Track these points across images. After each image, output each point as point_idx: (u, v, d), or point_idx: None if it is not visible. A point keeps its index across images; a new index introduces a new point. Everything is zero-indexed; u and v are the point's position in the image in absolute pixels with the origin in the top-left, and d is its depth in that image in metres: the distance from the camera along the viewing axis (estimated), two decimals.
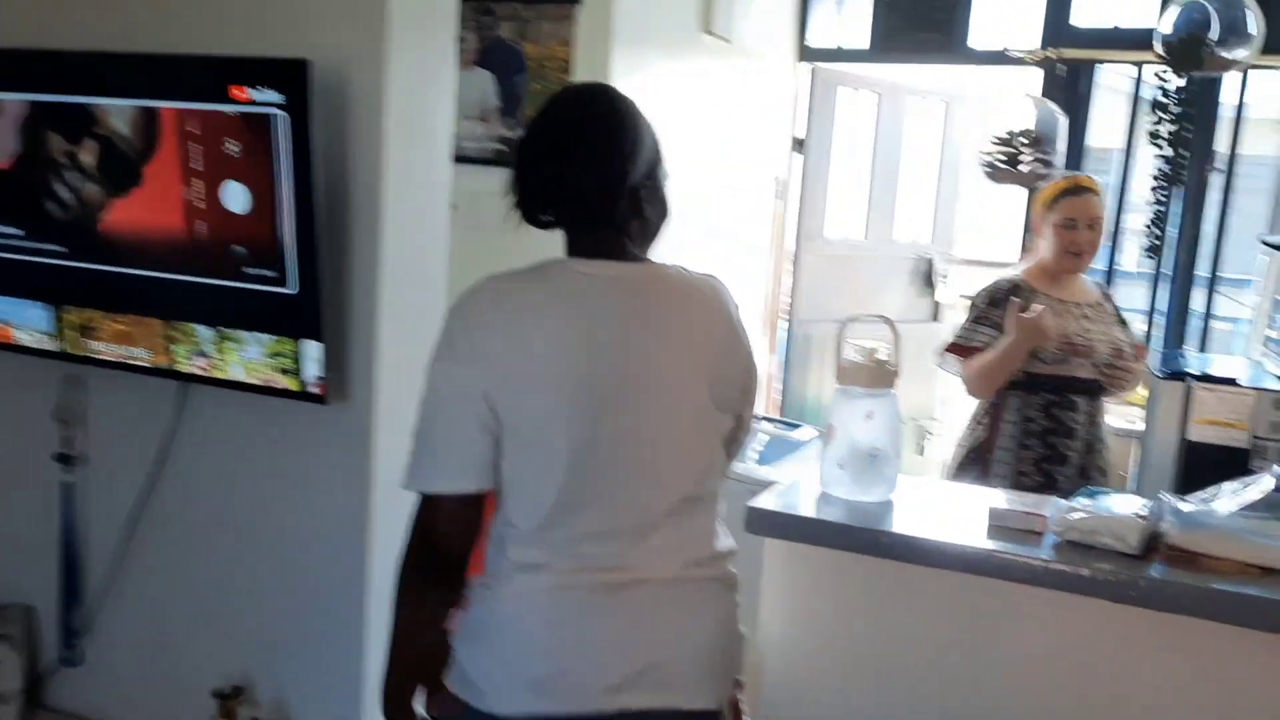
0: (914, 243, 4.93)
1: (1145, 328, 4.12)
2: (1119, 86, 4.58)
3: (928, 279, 4.94)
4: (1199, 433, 2.06)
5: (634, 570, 1.39)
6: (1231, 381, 2.04)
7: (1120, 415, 3.95)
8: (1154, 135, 2.20)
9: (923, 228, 4.95)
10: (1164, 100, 2.14)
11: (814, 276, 4.72)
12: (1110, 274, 4.24)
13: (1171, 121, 2.09)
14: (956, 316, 4.60)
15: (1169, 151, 2.14)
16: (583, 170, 1.40)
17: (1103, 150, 4.60)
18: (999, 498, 1.78)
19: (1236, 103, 4.02)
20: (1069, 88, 4.35)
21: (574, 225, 1.45)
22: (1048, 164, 2.31)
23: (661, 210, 1.51)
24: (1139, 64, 4.14)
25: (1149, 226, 2.15)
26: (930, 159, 4.94)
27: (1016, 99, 2.37)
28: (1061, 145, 2.30)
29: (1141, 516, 1.64)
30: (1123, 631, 1.60)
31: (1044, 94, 4.44)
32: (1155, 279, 4.26)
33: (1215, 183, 4.05)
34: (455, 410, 1.40)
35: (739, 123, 4.10)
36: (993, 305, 2.91)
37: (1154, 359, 2.26)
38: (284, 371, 2.22)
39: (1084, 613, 1.60)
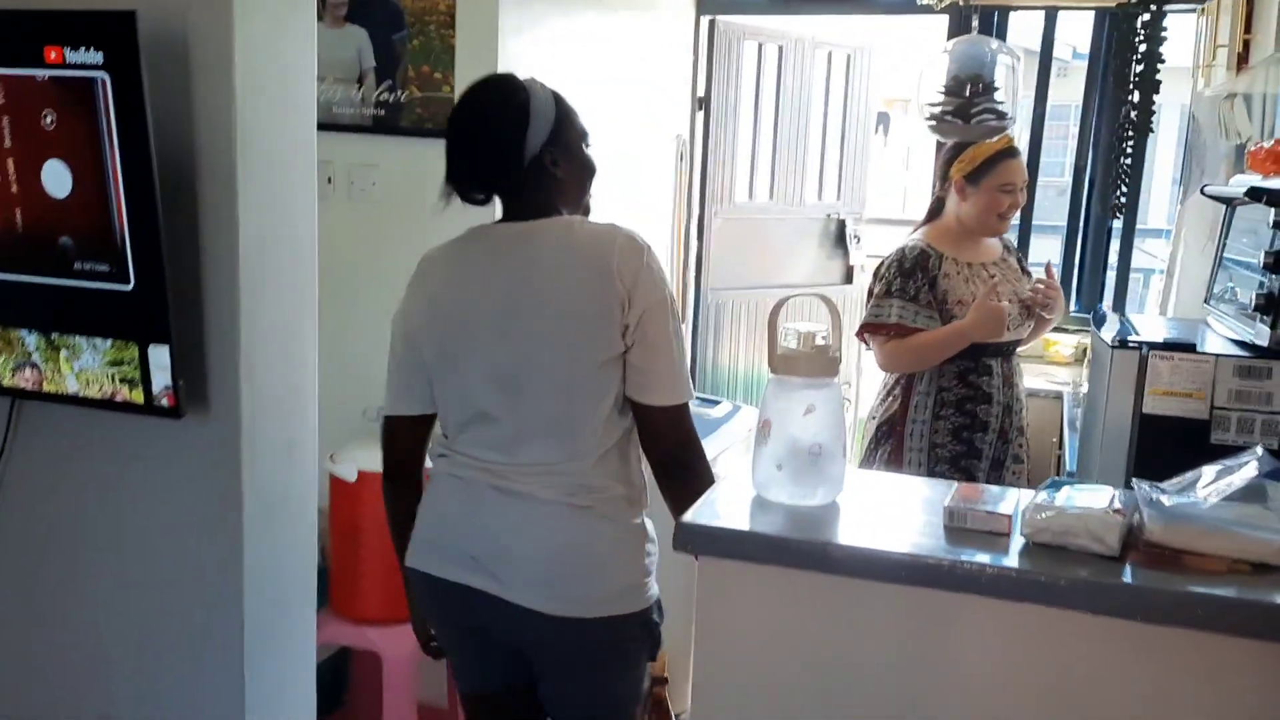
0: (824, 204, 4.75)
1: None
2: (1027, 39, 4.44)
3: (840, 241, 4.77)
4: (1155, 404, 1.89)
5: (502, 476, 1.75)
6: (1190, 348, 1.87)
7: (1041, 376, 3.84)
8: (1120, 79, 2.00)
9: (833, 188, 4.78)
10: (1132, 40, 1.94)
11: (722, 242, 4.51)
12: (1028, 229, 4.13)
13: (1139, 61, 1.89)
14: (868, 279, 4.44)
15: (1136, 96, 1.94)
16: (481, 154, 1.76)
17: None
18: (955, 493, 1.57)
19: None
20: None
21: (499, 197, 1.81)
22: (1001, 115, 2.11)
23: (576, 169, 1.83)
24: (1053, 9, 4.01)
25: (1120, 179, 1.96)
26: (838, 115, 4.76)
27: (952, 44, 2.17)
28: (1020, 93, 2.09)
29: (1117, 511, 1.45)
30: (1103, 645, 1.40)
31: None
32: (1069, 231, 4.16)
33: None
34: (396, 351, 1.86)
35: (637, 80, 3.83)
36: (904, 276, 2.77)
37: (1109, 330, 2.09)
38: (127, 382, 1.91)
39: (1059, 626, 1.41)
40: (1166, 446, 1.91)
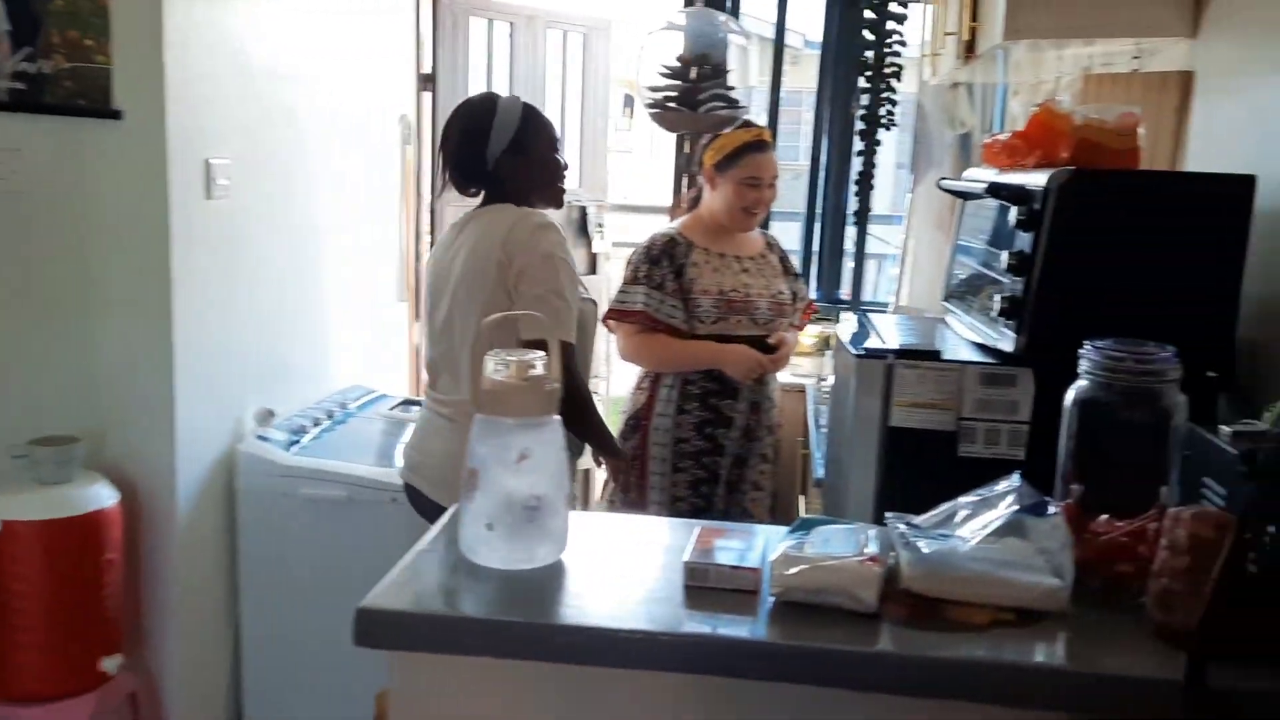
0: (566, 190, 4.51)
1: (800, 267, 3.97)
2: (759, 28, 4.36)
3: (583, 229, 4.55)
4: (903, 417, 1.75)
5: (431, 398, 2.29)
6: (934, 355, 1.74)
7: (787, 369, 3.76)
8: (864, 66, 1.84)
9: (573, 174, 4.54)
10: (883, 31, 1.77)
11: None
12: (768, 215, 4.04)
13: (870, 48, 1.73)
14: (615, 268, 4.25)
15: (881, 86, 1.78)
16: (457, 158, 2.27)
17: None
18: (695, 542, 1.35)
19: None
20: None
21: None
22: (733, 103, 1.90)
23: (533, 169, 2.25)
24: None
25: (868, 172, 1.80)
26: (575, 98, 4.53)
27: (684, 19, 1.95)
28: (751, 78, 1.88)
29: (873, 559, 1.28)
30: None
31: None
32: (809, 218, 4.12)
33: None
34: None
35: (350, 53, 3.44)
36: (651, 264, 2.69)
37: (852, 334, 1.94)
38: None
39: (821, 706, 1.21)
40: (914, 459, 1.78)
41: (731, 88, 1.90)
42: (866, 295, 4.27)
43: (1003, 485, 1.38)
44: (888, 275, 4.79)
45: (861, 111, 1.86)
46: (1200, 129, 2.16)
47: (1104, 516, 1.33)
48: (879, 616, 1.24)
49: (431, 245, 4.12)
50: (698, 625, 1.23)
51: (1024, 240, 1.72)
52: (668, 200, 3.98)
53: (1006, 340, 1.76)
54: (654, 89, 1.93)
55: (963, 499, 1.40)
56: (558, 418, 1.35)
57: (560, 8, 4.38)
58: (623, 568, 1.37)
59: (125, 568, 2.52)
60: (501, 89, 4.24)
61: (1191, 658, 1.11)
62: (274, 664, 2.89)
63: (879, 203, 4.36)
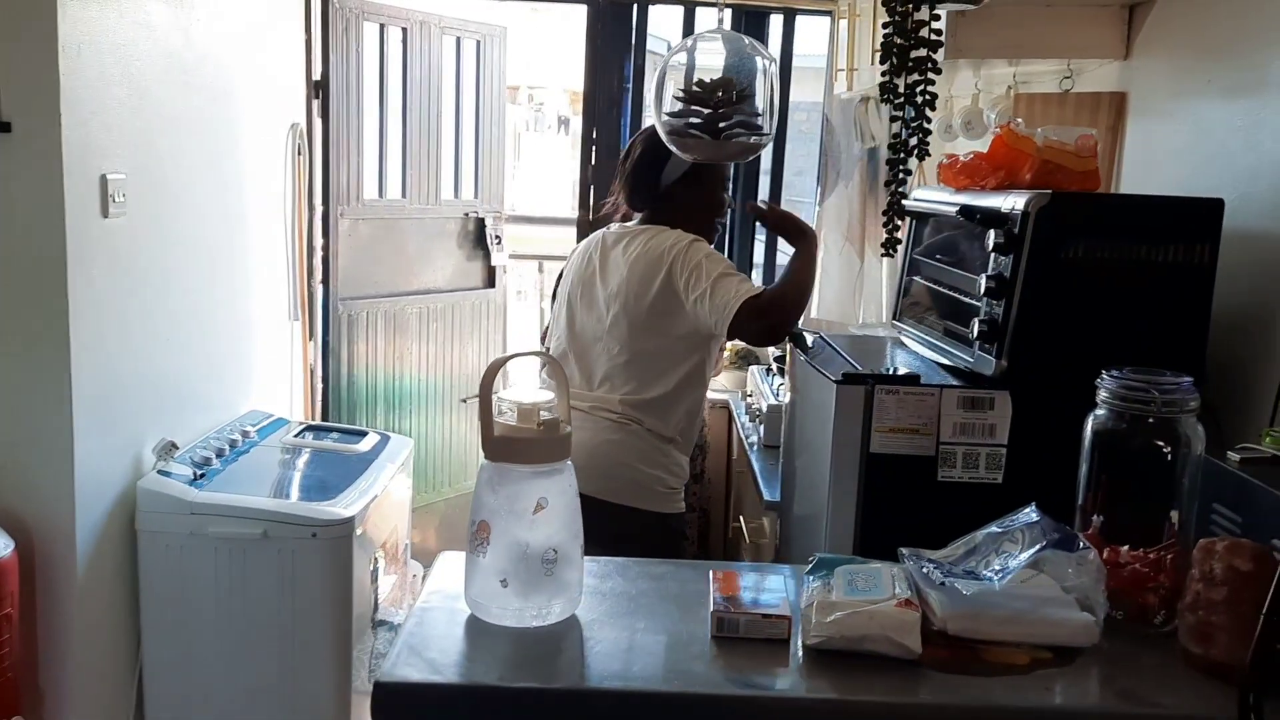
0: (462, 202, 4.38)
1: None
2: (667, 30, 4.32)
3: (480, 241, 4.42)
4: (883, 443, 1.72)
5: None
6: (914, 380, 1.71)
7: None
8: (885, 90, 1.79)
9: (470, 185, 4.42)
10: (902, 42, 1.73)
11: (353, 245, 4.01)
12: None
13: (911, 63, 1.69)
14: (514, 281, 4.13)
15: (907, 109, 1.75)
16: (633, 177, 2.41)
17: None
18: (716, 589, 1.29)
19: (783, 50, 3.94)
20: (614, 29, 4.01)
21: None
22: (756, 130, 1.82)
23: (700, 201, 2.38)
24: (692, 3, 3.90)
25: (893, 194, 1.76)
26: (470, 106, 4.40)
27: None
28: (776, 104, 1.81)
29: (908, 602, 1.24)
30: None
31: (588, 34, 4.08)
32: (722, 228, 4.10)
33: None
34: None
35: (244, 65, 3.25)
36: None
37: (821, 359, 1.91)
38: None
39: None
40: (894, 485, 1.76)
41: (757, 114, 1.82)
42: None
43: (1021, 517, 1.36)
44: None
45: (889, 140, 1.81)
46: (1135, 149, 2.22)
47: (1125, 547, 1.33)
48: (917, 662, 1.20)
49: (325, 260, 3.94)
50: (733, 683, 1.17)
51: (1002, 264, 1.71)
52: (567, 212, 3.90)
53: (984, 364, 1.75)
54: (673, 115, 1.84)
55: (980, 532, 1.37)
56: (570, 462, 1.27)
57: (455, 13, 4.25)
58: (641, 619, 1.29)
59: (21, 622, 2.29)
60: (395, 96, 4.09)
61: (1244, 694, 1.10)
62: (180, 717, 2.68)
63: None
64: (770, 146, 4.07)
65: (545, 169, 13.30)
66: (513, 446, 1.21)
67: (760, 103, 1.83)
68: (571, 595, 1.26)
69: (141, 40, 2.62)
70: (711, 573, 1.35)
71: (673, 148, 1.94)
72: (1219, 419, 1.66)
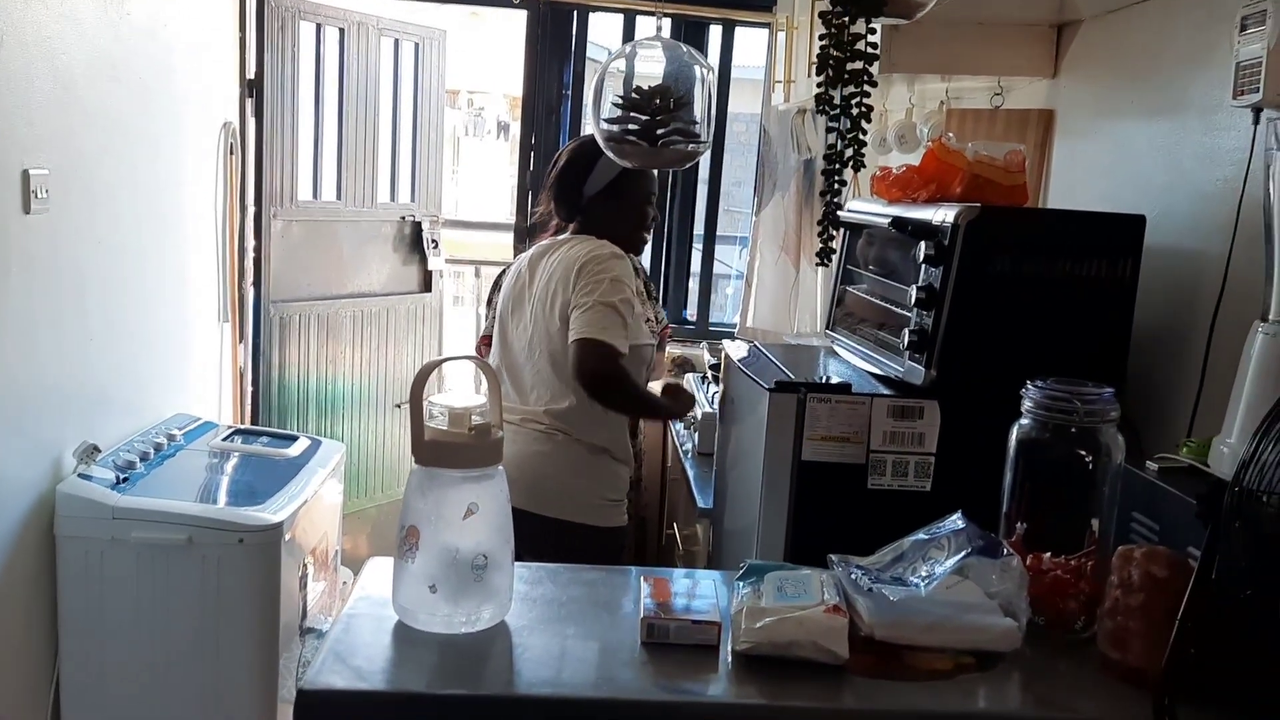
0: (399, 205, 4.34)
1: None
2: (607, 38, 4.33)
3: (416, 245, 4.38)
4: (814, 451, 1.74)
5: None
6: (846, 389, 1.74)
7: None
8: (821, 101, 1.81)
9: (406, 188, 4.38)
10: (838, 55, 1.74)
11: (285, 247, 3.95)
12: None
13: (852, 83, 1.71)
14: (451, 287, 4.11)
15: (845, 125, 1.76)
16: (557, 187, 2.42)
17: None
18: (648, 595, 1.29)
19: (722, 61, 3.97)
20: (554, 35, 4.01)
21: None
22: (693, 138, 1.82)
23: (621, 214, 2.37)
24: (632, 12, 3.91)
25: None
26: (408, 109, 4.37)
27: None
28: (713, 111, 1.81)
29: (836, 608, 1.25)
30: None
31: (528, 39, 4.08)
32: (660, 238, 4.13)
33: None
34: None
35: (174, 61, 3.19)
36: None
37: (756, 367, 1.93)
38: None
39: None
40: (825, 493, 1.77)
41: (694, 122, 1.83)
42: (713, 317, 4.31)
43: (947, 524, 1.38)
44: (723, 295, 4.84)
45: (825, 151, 1.82)
46: (1061, 166, 2.27)
47: (1047, 554, 1.35)
48: (844, 668, 1.21)
49: (256, 261, 3.87)
50: (662, 689, 1.17)
51: (932, 275, 1.74)
52: (506, 218, 3.89)
53: (914, 373, 1.78)
54: (611, 121, 1.84)
55: (907, 539, 1.39)
56: (501, 468, 1.26)
57: (394, 15, 4.21)
58: (571, 625, 1.29)
59: None
60: (331, 98, 4.04)
61: (1158, 699, 1.13)
62: None
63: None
64: (708, 157, 4.11)
65: (484, 174, 13.25)
66: (443, 451, 1.20)
67: (698, 111, 1.84)
68: (501, 601, 1.25)
69: (68, 33, 2.56)
70: (643, 578, 1.35)
71: (610, 154, 1.95)
72: (1138, 430, 1.71)
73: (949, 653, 1.25)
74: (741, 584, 1.32)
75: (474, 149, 14.14)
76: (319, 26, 3.97)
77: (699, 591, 1.33)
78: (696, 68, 1.88)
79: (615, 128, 1.86)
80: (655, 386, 2.64)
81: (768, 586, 1.30)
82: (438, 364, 1.28)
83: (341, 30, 4.04)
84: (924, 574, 1.30)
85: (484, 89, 13.78)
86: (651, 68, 1.84)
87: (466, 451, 1.20)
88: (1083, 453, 1.35)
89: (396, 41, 4.29)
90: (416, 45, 4.37)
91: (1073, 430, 1.34)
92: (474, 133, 14.52)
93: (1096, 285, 1.73)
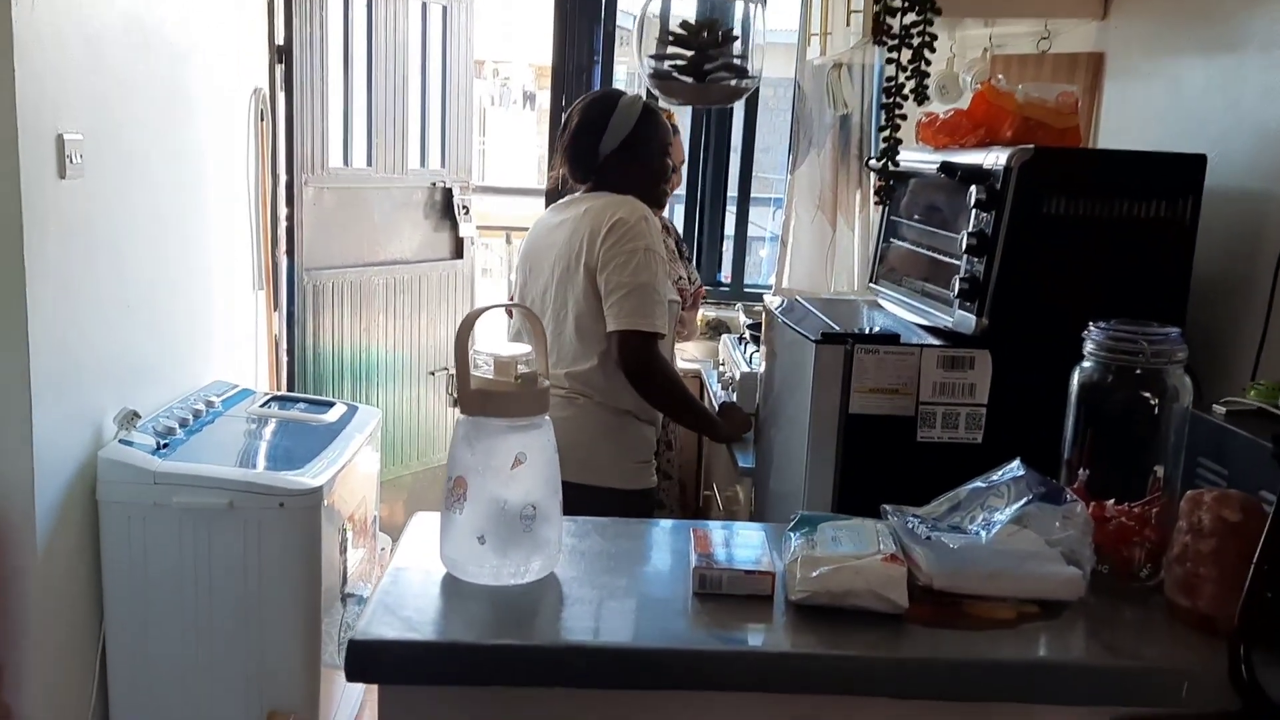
0: (429, 171, 4.31)
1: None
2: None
3: (448, 211, 4.36)
4: (862, 403, 1.70)
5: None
6: (894, 339, 1.69)
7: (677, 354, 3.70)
8: (878, 31, 1.75)
9: (436, 154, 4.35)
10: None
11: (317, 214, 3.93)
12: None
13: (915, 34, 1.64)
14: (480, 258, 4.08)
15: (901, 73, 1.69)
16: (571, 148, 2.31)
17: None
18: (695, 547, 1.26)
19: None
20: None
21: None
22: (742, 73, 1.77)
23: (639, 170, 2.27)
24: None
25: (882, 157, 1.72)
26: (437, 74, 4.33)
27: None
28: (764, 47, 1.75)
29: (894, 557, 1.22)
30: None
31: (557, 3, 4.02)
32: (688, 201, 4.08)
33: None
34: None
35: (204, 27, 3.16)
36: None
37: (797, 318, 1.89)
38: None
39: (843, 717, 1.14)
40: (874, 446, 1.74)
41: (740, 56, 1.77)
42: (749, 278, 4.26)
43: (1006, 471, 1.34)
44: (757, 257, 4.79)
45: (884, 85, 1.73)
46: (1112, 110, 2.20)
47: (1110, 501, 1.31)
48: (903, 618, 1.18)
49: (289, 229, 3.86)
50: (716, 639, 1.14)
51: (984, 220, 1.69)
52: (534, 182, 3.85)
53: (964, 322, 1.73)
54: (657, 57, 1.78)
55: (964, 488, 1.35)
56: (548, 418, 1.23)
57: None
58: (622, 577, 1.26)
59: None
60: (360, 63, 4.01)
61: (1234, 645, 1.09)
62: (144, 693, 2.63)
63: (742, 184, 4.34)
64: (741, 116, 4.05)
65: (511, 145, 13.19)
66: (490, 400, 1.17)
67: (744, 45, 1.78)
68: (550, 553, 1.23)
69: (100, 0, 2.54)
70: (693, 531, 1.32)
71: (655, 91, 1.89)
72: (1198, 377, 1.65)
73: (1011, 601, 1.21)
74: (794, 534, 1.29)
75: (500, 119, 14.07)
76: None
77: (750, 543, 1.30)
78: (742, 1, 1.82)
79: (662, 64, 1.80)
80: (712, 397, 2.59)
81: (822, 536, 1.27)
82: (482, 311, 1.25)
83: None
84: (982, 522, 1.27)
85: (508, 59, 13.72)
86: (689, 8, 1.77)
87: (513, 401, 1.17)
88: (1148, 395, 1.30)
89: (424, 6, 4.25)
90: (444, 9, 4.32)
91: (1138, 372, 1.29)
92: (500, 103, 14.46)
93: (1155, 228, 1.67)
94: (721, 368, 3.21)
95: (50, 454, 2.40)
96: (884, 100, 1.73)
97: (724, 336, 3.35)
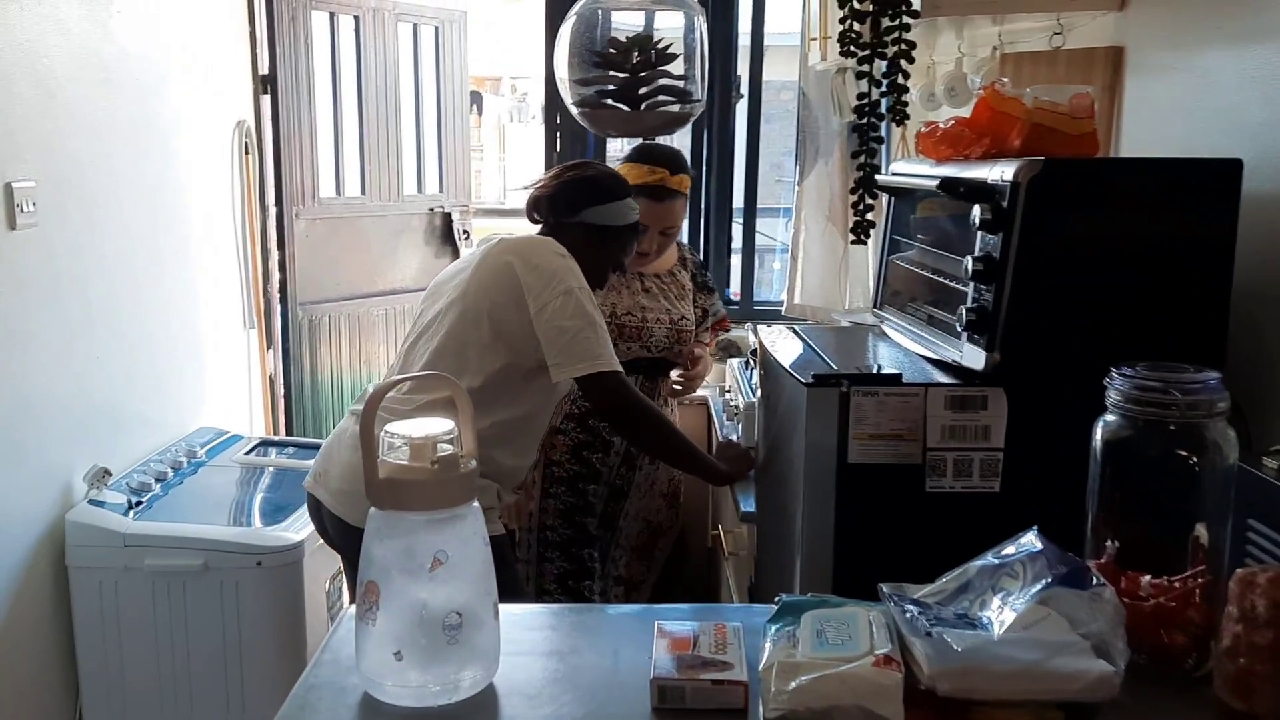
0: (426, 196, 4.17)
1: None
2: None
3: (448, 237, 4.21)
4: (862, 452, 1.51)
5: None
6: (895, 380, 1.50)
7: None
8: (845, 40, 1.57)
9: (433, 178, 4.21)
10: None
11: (310, 246, 3.80)
12: None
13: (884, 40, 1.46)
14: None
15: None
16: (555, 191, 2.12)
17: None
18: (662, 649, 1.08)
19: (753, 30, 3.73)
20: None
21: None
22: (685, 96, 1.57)
23: (593, 255, 2.10)
24: None
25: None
26: (431, 96, 4.19)
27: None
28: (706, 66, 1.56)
29: (889, 659, 1.03)
30: None
31: (549, 17, 3.85)
32: (692, 214, 3.89)
33: (740, 110, 3.76)
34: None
35: (180, 59, 3.03)
36: None
37: (787, 354, 1.71)
38: None
39: None
40: (877, 498, 1.55)
41: (682, 76, 1.57)
42: (758, 293, 4.06)
43: (1021, 546, 1.15)
44: (768, 269, 4.60)
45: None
46: (1134, 109, 2.00)
47: (1146, 577, 1.12)
48: None
49: (281, 263, 3.73)
50: None
51: (990, 243, 1.50)
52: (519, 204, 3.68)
53: (974, 357, 1.54)
54: (583, 82, 1.59)
55: (974, 564, 1.16)
56: (477, 505, 1.06)
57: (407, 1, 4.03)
58: (568, 688, 1.08)
59: None
60: (349, 89, 3.87)
61: None
62: None
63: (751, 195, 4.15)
64: (744, 123, 3.85)
65: (531, 160, 13.06)
66: (401, 490, 1.00)
67: (689, 65, 1.58)
68: (486, 664, 1.05)
69: (50, 35, 2.41)
70: (657, 625, 1.14)
71: (584, 124, 1.70)
72: (1244, 419, 1.45)
73: (1030, 707, 1.02)
74: (773, 627, 1.11)
75: (519, 135, 13.95)
76: (332, 15, 3.80)
77: (724, 643, 1.12)
78: (683, 12, 1.62)
79: (588, 90, 1.60)
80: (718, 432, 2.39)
81: (805, 631, 1.09)
82: (391, 385, 1.08)
83: (356, 18, 3.87)
84: (995, 608, 1.07)
85: (527, 74, 13.59)
86: (630, 18, 1.57)
87: (430, 490, 1.00)
88: (1184, 453, 1.10)
89: (415, 26, 4.11)
90: (436, 29, 4.18)
91: (1171, 427, 1.10)
92: (519, 118, 14.35)
93: (1186, 245, 1.47)
94: (728, 394, 3.02)
95: (14, 518, 2.27)
96: (856, 122, 1.53)
97: (731, 360, 3.16)
